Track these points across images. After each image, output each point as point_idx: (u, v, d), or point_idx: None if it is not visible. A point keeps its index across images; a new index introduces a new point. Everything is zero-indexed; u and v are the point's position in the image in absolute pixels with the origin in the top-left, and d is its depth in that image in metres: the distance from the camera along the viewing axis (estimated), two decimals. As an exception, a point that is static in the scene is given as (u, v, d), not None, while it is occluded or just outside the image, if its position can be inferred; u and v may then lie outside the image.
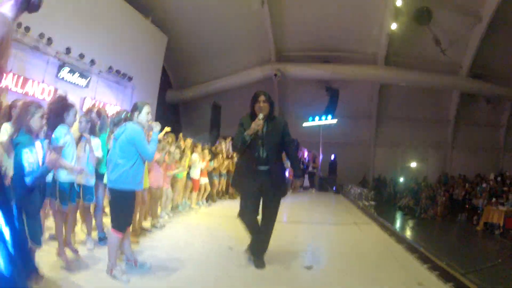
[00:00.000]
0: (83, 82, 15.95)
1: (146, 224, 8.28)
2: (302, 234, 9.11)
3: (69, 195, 5.45)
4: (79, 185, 5.89)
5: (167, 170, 9.11)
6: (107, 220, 6.00)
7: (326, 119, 23.90)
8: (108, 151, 6.08)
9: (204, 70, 25.21)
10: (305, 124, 24.93)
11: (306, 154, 22.83)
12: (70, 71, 15.20)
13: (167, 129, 10.94)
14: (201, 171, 11.56)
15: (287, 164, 10.05)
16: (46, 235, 5.98)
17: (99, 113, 7.01)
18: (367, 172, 27.02)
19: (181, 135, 11.77)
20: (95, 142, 6.20)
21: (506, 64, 21.61)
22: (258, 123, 5.58)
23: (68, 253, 5.47)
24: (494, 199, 17.69)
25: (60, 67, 14.77)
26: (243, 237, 6.37)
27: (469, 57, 21.98)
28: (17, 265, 1.81)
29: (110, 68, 17.50)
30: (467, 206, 19.76)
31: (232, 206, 10.52)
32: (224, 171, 13.59)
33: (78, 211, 6.30)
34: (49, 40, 13.88)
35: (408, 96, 25.02)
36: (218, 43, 22.55)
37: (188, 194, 11.40)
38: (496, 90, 23.03)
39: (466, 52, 21.89)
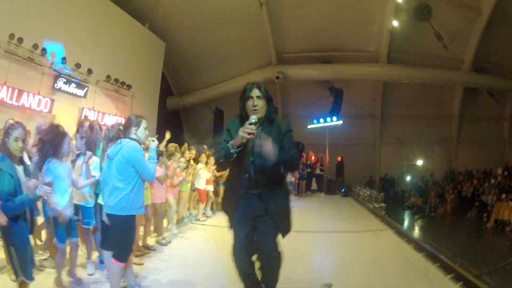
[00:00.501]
0: (80, 92, 15.32)
1: (151, 241, 7.68)
2: (315, 245, 8.53)
3: (68, 231, 4.99)
4: (77, 205, 5.40)
5: (171, 184, 8.57)
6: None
7: (331, 120, 23.17)
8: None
9: (205, 75, 24.61)
10: (310, 126, 24.23)
11: (312, 157, 22.08)
12: (66, 82, 14.55)
13: (168, 136, 10.33)
14: (207, 179, 10.93)
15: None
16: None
17: (91, 127, 6.44)
18: (373, 172, 26.34)
19: (186, 145, 11.28)
20: (93, 160, 5.66)
21: (508, 57, 20.90)
22: (247, 130, 3.65)
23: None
24: (504, 195, 17.09)
25: (56, 78, 14.12)
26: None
27: (470, 51, 21.34)
28: None
29: (108, 77, 16.87)
30: (476, 203, 19.10)
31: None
32: None
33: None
34: (44, 51, 13.24)
35: (411, 93, 24.38)
36: (217, 47, 21.98)
37: (194, 205, 10.93)
38: (498, 83, 22.37)
39: (467, 46, 21.26)
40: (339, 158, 22.99)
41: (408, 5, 19.00)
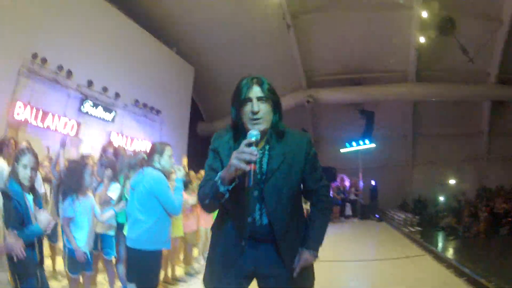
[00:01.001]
0: (108, 116, 14.61)
1: (179, 271, 7.12)
2: (352, 276, 8.01)
3: (83, 264, 4.63)
4: (97, 234, 5.21)
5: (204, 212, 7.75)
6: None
7: (364, 143, 22.16)
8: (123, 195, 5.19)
9: (235, 100, 23.42)
10: (342, 150, 23.15)
11: (346, 182, 21.09)
12: (93, 105, 13.85)
13: (184, 162, 10.25)
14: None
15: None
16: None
17: (116, 153, 6.20)
18: (406, 194, 24.65)
19: None
20: (115, 187, 5.44)
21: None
22: (245, 155, 2.17)
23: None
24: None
25: (83, 101, 13.44)
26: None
27: (495, 63, 19.93)
28: None
29: (137, 101, 16.13)
30: (509, 218, 17.79)
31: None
32: None
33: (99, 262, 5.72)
34: (69, 73, 12.55)
35: (440, 111, 22.94)
36: (246, 71, 20.47)
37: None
38: (526, 94, 20.90)
39: (491, 58, 19.86)
40: (373, 182, 22.01)
41: (433, 20, 17.98)
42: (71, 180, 4.63)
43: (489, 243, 15.80)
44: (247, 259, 2.52)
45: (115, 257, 5.50)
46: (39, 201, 3.78)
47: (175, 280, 6.54)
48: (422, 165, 24.39)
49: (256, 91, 2.49)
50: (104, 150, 6.90)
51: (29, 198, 3.60)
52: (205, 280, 2.68)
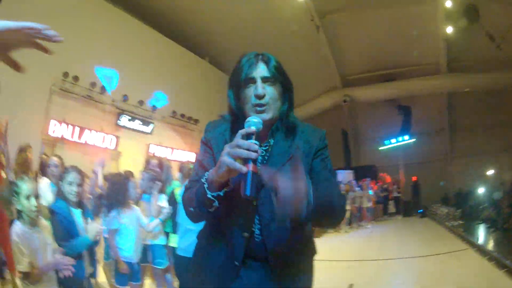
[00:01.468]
0: (146, 128, 14.33)
1: None
2: (397, 274, 7.54)
3: (131, 274, 4.60)
4: (146, 245, 5.14)
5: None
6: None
7: (403, 139, 21.45)
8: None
9: (270, 106, 23.09)
10: (382, 148, 22.56)
11: (388, 179, 20.43)
12: (131, 119, 13.63)
13: None
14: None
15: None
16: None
17: (161, 165, 6.06)
18: (447, 188, 23.63)
19: None
20: (162, 198, 5.37)
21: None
22: (240, 150, 1.53)
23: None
24: None
25: (119, 115, 13.24)
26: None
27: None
28: None
29: (174, 112, 15.80)
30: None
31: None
32: None
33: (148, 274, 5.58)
34: (103, 89, 12.35)
35: (474, 101, 21.77)
36: None
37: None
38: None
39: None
40: (414, 178, 21.22)
41: (457, 9, 17.18)
42: (115, 193, 4.62)
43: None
44: (242, 283, 1.81)
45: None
46: (88, 214, 3.87)
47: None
48: (461, 157, 23.29)
49: (261, 70, 1.84)
50: (148, 162, 6.67)
51: (77, 212, 3.69)
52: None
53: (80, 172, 3.81)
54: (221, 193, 1.65)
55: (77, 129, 11.47)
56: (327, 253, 8.97)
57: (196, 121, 16.97)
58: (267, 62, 1.86)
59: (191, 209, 1.79)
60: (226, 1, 16.04)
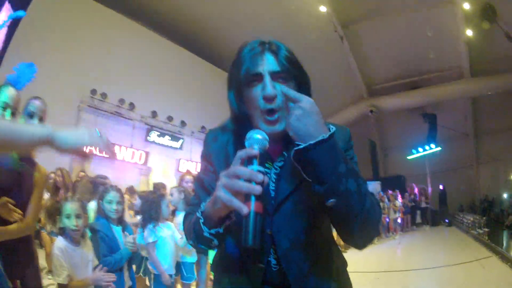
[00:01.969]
0: (176, 144, 14.34)
1: None
2: (424, 285, 7.32)
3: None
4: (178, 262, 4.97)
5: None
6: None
7: (430, 148, 20.93)
8: None
9: (296, 118, 22.85)
10: (409, 157, 22.04)
11: (416, 189, 20.01)
12: (160, 135, 13.67)
13: None
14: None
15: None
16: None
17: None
18: (474, 195, 23.07)
19: None
20: None
21: None
22: (242, 176, 1.12)
23: None
24: None
25: (149, 131, 13.28)
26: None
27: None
28: None
29: (203, 127, 15.66)
30: None
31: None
32: None
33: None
34: (131, 105, 12.42)
35: (498, 104, 20.99)
36: None
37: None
38: None
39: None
40: (441, 186, 20.61)
41: (475, 10, 16.81)
42: (150, 211, 4.62)
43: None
44: None
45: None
46: (128, 230, 3.93)
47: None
48: (487, 163, 22.61)
49: (269, 63, 1.35)
50: (182, 179, 6.55)
51: (117, 229, 3.76)
52: None
53: (119, 190, 3.91)
54: (221, 230, 1.28)
55: (106, 145, 11.44)
56: (355, 265, 8.60)
57: (226, 135, 16.80)
58: (276, 52, 1.37)
59: (191, 242, 1.45)
60: (249, 16, 15.97)
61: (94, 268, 3.20)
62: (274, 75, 1.33)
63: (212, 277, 5.04)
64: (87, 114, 11.33)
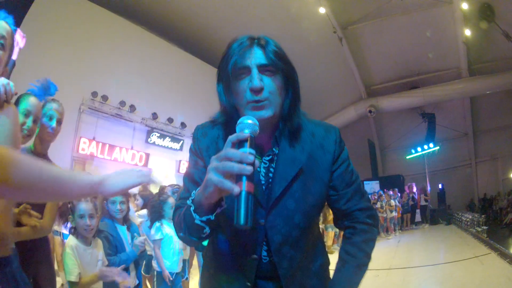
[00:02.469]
0: (176, 145, 14.34)
1: None
2: (424, 281, 7.37)
3: (172, 285, 4.64)
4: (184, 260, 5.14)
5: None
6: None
7: (428, 147, 20.90)
8: None
9: (295, 119, 22.85)
10: (408, 157, 22.08)
11: (414, 188, 19.97)
12: (160, 136, 13.66)
13: None
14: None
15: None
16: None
17: None
18: (473, 193, 22.99)
19: None
20: None
21: None
22: (233, 158, 1.12)
23: None
24: None
25: (149, 133, 13.28)
26: None
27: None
28: None
29: (203, 129, 15.63)
30: None
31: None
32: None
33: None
34: (132, 107, 12.40)
35: (497, 103, 21.10)
36: (303, 90, 19.59)
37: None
38: None
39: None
40: (440, 185, 20.67)
41: (473, 10, 16.71)
42: (157, 209, 4.73)
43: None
44: None
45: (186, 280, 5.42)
46: (134, 229, 4.00)
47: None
48: (485, 161, 22.62)
49: (257, 56, 1.40)
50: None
51: (122, 228, 3.79)
52: None
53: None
54: (212, 217, 1.27)
55: (106, 147, 11.53)
56: None
57: (225, 138, 16.81)
58: (264, 46, 1.42)
59: (181, 234, 1.42)
60: (248, 16, 15.94)
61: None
62: (262, 68, 1.38)
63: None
64: (88, 116, 11.35)
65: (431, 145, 20.68)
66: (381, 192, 16.38)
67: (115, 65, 12.01)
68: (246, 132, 1.19)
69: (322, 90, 20.48)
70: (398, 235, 15.09)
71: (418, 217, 18.55)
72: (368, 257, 1.57)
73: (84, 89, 11.13)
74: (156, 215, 4.71)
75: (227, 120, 1.49)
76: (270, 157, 1.49)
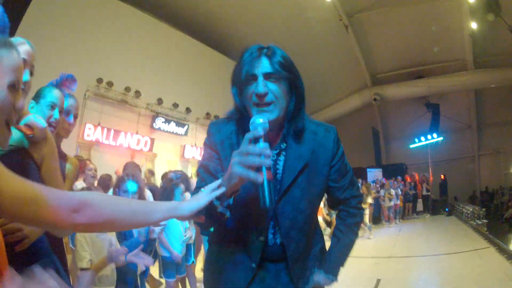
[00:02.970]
0: (181, 130, 14.34)
1: None
2: (423, 271, 7.52)
3: (176, 269, 4.86)
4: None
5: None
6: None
7: (432, 137, 20.85)
8: None
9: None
10: (412, 146, 21.99)
11: (417, 177, 19.92)
12: (165, 121, 13.66)
13: None
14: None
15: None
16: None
17: None
18: (475, 186, 22.93)
19: None
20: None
21: None
22: (253, 159, 1.35)
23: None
24: None
25: (154, 118, 13.28)
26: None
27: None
28: None
29: (208, 114, 15.70)
30: None
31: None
32: None
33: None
34: (137, 93, 12.41)
35: (502, 98, 20.88)
36: (308, 77, 19.62)
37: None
38: None
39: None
40: (442, 176, 20.51)
41: (479, 3, 16.51)
42: (165, 196, 4.71)
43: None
44: (258, 283, 1.75)
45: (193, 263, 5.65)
46: None
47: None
48: (489, 155, 22.54)
49: (263, 66, 1.62)
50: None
51: None
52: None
53: (138, 180, 3.90)
54: (231, 202, 1.47)
55: (112, 133, 11.54)
56: (357, 251, 8.90)
57: (230, 122, 16.76)
58: (270, 57, 1.64)
59: (203, 220, 1.51)
60: (255, 5, 15.87)
61: None
62: (267, 76, 1.60)
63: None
64: (93, 103, 11.35)
65: (434, 135, 20.61)
66: (383, 180, 16.37)
67: (120, 52, 11.99)
68: (260, 131, 1.41)
69: (327, 77, 20.41)
70: (399, 224, 15.11)
71: (420, 207, 18.53)
72: (356, 236, 1.91)
73: (89, 76, 11.09)
74: (165, 199, 4.57)
75: (239, 117, 1.71)
76: (278, 151, 1.71)
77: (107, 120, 11.61)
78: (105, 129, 11.39)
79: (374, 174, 20.12)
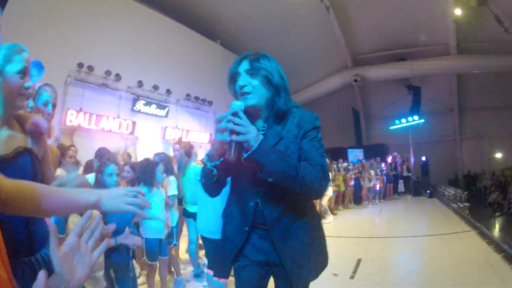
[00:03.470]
0: (162, 112, 14.32)
1: None
2: (403, 252, 7.71)
3: (159, 251, 4.87)
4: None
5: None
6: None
7: (412, 119, 21.07)
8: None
9: (282, 86, 22.72)
10: (392, 127, 22.21)
11: (397, 158, 20.16)
12: (146, 104, 13.62)
13: None
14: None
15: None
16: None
17: (188, 152, 6.10)
18: (457, 169, 23.30)
19: None
20: (169, 181, 5.52)
21: None
22: (223, 121, 1.92)
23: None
24: None
25: (135, 101, 13.22)
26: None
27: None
28: None
29: (188, 95, 15.73)
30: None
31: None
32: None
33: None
34: (118, 76, 12.33)
35: (485, 83, 21.13)
36: (290, 57, 18.98)
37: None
38: None
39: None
40: (423, 158, 20.75)
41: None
42: (144, 176, 4.77)
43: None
44: (252, 250, 2.21)
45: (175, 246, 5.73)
46: None
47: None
48: (470, 139, 22.91)
49: (244, 65, 2.13)
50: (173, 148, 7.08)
51: None
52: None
53: (117, 162, 3.97)
54: (218, 162, 2.01)
55: (93, 117, 11.50)
56: (338, 230, 9.40)
57: (210, 102, 16.95)
58: (252, 60, 2.12)
59: (202, 180, 2.18)
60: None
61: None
62: (247, 72, 2.10)
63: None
64: (74, 88, 11.26)
65: (415, 117, 20.82)
66: (364, 161, 16.54)
67: (99, 35, 11.85)
68: (236, 106, 1.93)
69: (308, 57, 20.42)
70: (380, 204, 15.34)
71: (401, 188, 18.79)
72: (299, 177, 1.93)
73: (70, 61, 11.00)
74: (147, 178, 4.79)
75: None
76: (264, 131, 2.12)
77: (88, 104, 11.53)
78: (87, 114, 11.34)
79: (355, 154, 20.37)
